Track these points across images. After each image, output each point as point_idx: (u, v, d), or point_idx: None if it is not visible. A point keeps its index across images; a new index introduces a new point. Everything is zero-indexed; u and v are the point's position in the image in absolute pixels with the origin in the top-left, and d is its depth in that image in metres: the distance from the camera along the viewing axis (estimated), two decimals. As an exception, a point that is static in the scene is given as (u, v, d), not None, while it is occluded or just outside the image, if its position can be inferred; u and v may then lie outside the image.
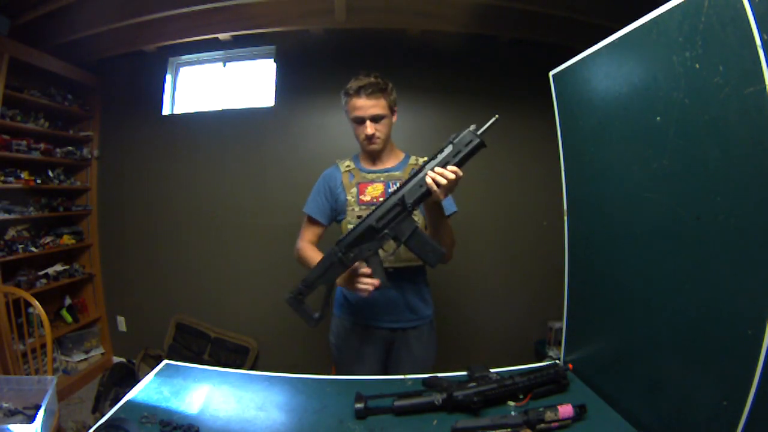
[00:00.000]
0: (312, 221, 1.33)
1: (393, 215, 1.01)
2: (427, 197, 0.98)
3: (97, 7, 2.16)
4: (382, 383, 1.08)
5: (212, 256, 2.62)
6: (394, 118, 1.30)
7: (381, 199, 1.25)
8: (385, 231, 1.01)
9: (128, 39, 2.43)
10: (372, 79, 1.21)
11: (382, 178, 1.29)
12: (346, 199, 1.28)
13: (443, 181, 0.93)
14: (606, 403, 0.98)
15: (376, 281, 1.05)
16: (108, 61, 2.62)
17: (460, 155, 0.93)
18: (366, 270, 1.05)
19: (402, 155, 1.35)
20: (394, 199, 0.99)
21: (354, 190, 1.28)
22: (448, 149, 0.94)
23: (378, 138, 1.25)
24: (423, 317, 1.33)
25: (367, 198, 1.27)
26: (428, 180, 0.94)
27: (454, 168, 0.93)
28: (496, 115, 0.93)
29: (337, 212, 1.31)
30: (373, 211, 1.02)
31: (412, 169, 1.30)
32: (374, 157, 1.31)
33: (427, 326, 1.35)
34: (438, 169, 0.93)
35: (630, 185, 0.94)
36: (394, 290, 1.26)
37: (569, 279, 1.21)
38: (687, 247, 0.79)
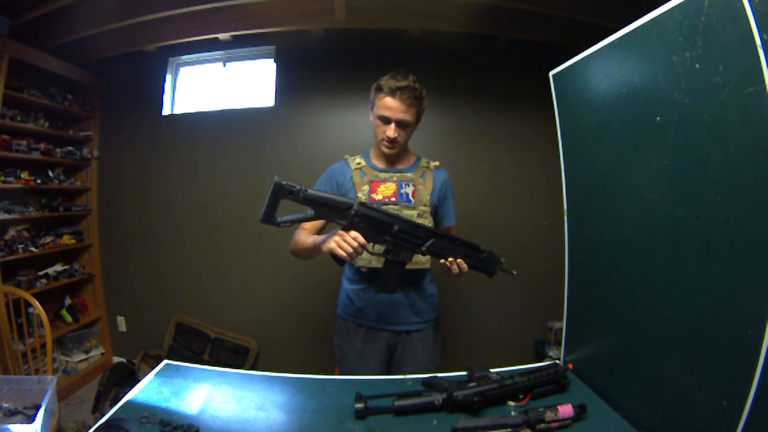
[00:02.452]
0: None
1: (408, 238, 1.07)
2: (437, 258, 1.13)
3: (97, 7, 2.15)
4: (383, 383, 1.08)
5: (212, 256, 2.62)
6: (417, 126, 1.28)
7: (393, 199, 1.25)
8: (390, 240, 1.06)
9: (128, 39, 2.42)
10: (411, 83, 1.17)
11: (395, 178, 1.27)
12: (357, 197, 1.25)
13: (455, 270, 1.11)
14: (606, 403, 0.98)
15: (351, 249, 1.03)
16: (108, 61, 2.62)
17: (479, 265, 1.13)
18: (361, 239, 1.03)
19: (414, 157, 1.35)
20: (423, 231, 1.09)
21: (366, 188, 1.26)
22: (483, 253, 1.13)
23: (398, 143, 1.23)
24: (427, 320, 1.33)
25: (379, 197, 1.25)
26: (449, 260, 1.10)
27: (465, 266, 1.11)
28: (515, 272, 1.16)
29: None
30: (401, 217, 1.08)
31: (423, 172, 1.30)
32: (388, 158, 1.29)
33: (431, 329, 1.34)
34: (459, 262, 1.10)
35: (630, 185, 0.94)
36: (398, 292, 1.26)
37: (569, 279, 1.21)
38: (687, 247, 0.79)
